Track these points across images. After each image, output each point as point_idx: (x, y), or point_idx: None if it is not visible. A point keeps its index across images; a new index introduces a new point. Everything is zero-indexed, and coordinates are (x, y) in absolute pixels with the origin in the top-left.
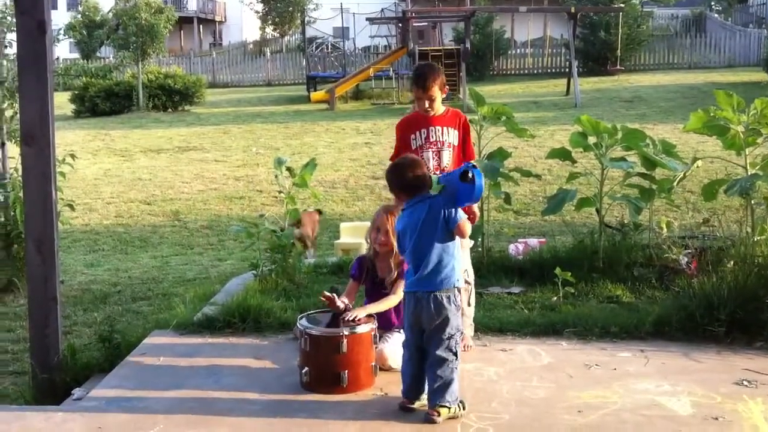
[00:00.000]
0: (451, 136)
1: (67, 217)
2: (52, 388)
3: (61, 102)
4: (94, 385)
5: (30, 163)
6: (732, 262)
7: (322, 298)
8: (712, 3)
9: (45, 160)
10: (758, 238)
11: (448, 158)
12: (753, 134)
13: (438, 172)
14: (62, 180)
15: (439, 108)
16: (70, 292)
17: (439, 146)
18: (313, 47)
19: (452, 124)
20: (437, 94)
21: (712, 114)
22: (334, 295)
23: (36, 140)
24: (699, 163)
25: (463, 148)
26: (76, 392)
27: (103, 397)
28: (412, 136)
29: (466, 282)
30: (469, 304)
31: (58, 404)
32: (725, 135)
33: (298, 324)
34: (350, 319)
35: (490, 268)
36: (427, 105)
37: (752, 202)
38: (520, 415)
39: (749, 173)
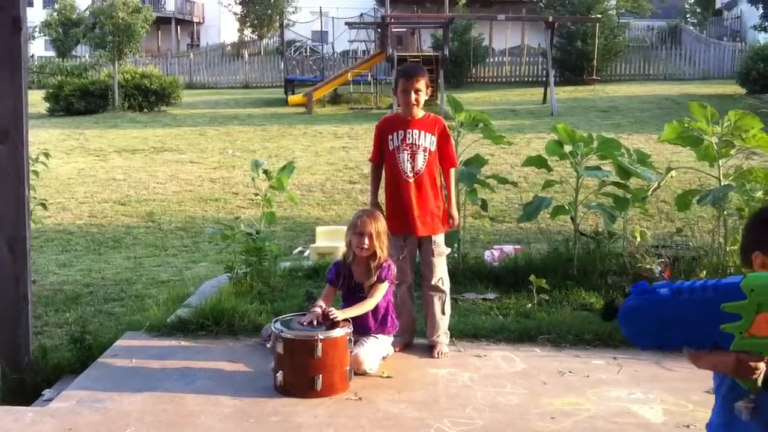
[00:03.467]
0: (428, 141)
1: (39, 217)
2: (22, 388)
3: (36, 100)
4: (65, 386)
5: (3, 160)
6: (704, 272)
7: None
8: (688, 15)
9: (18, 157)
10: (730, 248)
11: (422, 162)
12: (726, 145)
13: (412, 176)
14: (35, 179)
15: (420, 111)
16: (42, 292)
17: (414, 149)
18: (292, 50)
19: (430, 130)
20: (423, 88)
21: (686, 125)
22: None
23: (9, 138)
24: (673, 173)
25: (441, 154)
26: (47, 393)
27: (73, 398)
28: (390, 137)
29: (442, 290)
30: (443, 313)
31: (28, 405)
32: (699, 146)
33: (272, 327)
34: (333, 317)
35: (465, 275)
36: (412, 98)
37: (725, 212)
38: (494, 420)
39: (722, 184)
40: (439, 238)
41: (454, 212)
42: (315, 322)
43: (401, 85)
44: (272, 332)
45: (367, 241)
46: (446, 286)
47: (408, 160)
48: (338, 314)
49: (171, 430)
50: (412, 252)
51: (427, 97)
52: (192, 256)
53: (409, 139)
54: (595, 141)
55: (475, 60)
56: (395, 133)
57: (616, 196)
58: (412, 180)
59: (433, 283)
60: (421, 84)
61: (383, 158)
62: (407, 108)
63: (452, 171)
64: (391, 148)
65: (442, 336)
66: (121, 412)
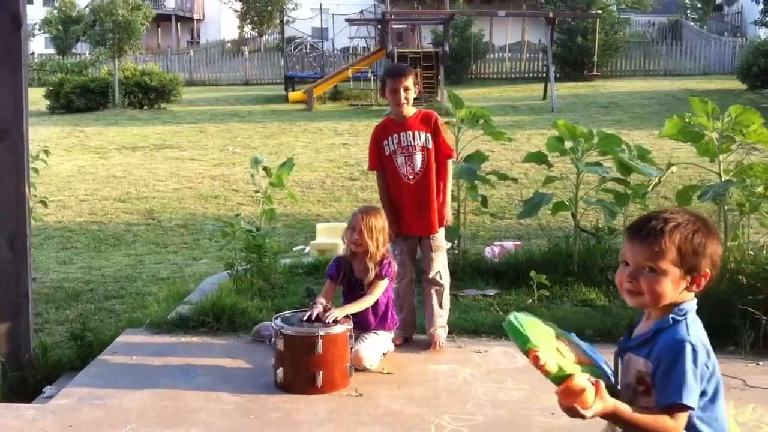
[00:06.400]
0: (423, 140)
1: (40, 214)
2: (23, 385)
3: (36, 97)
4: (66, 383)
5: (3, 158)
6: None
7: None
8: (688, 11)
9: (18, 155)
10: (731, 243)
11: (420, 162)
12: (727, 141)
13: (412, 178)
14: (35, 176)
15: (410, 110)
16: (42, 290)
17: (411, 151)
18: (292, 47)
19: (424, 128)
20: (411, 86)
21: (686, 120)
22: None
23: (9, 135)
24: (673, 168)
25: (436, 145)
26: (47, 390)
27: (74, 395)
28: (385, 142)
29: (439, 283)
30: (441, 306)
31: (29, 402)
32: (699, 141)
33: (273, 324)
34: (330, 321)
35: (465, 271)
36: (402, 97)
37: (725, 208)
38: (495, 416)
39: (723, 179)
40: (438, 233)
41: (448, 212)
42: (314, 316)
43: (389, 86)
44: (273, 329)
45: (357, 236)
46: (445, 279)
47: (406, 164)
48: (336, 313)
49: (171, 427)
50: (413, 246)
51: (416, 95)
52: (192, 253)
53: (403, 141)
54: (596, 137)
55: (475, 56)
56: (390, 138)
57: (616, 192)
58: (413, 182)
59: (430, 276)
60: (409, 81)
61: (383, 164)
62: (398, 108)
63: (449, 163)
64: (387, 153)
65: (440, 329)
66: (121, 409)
